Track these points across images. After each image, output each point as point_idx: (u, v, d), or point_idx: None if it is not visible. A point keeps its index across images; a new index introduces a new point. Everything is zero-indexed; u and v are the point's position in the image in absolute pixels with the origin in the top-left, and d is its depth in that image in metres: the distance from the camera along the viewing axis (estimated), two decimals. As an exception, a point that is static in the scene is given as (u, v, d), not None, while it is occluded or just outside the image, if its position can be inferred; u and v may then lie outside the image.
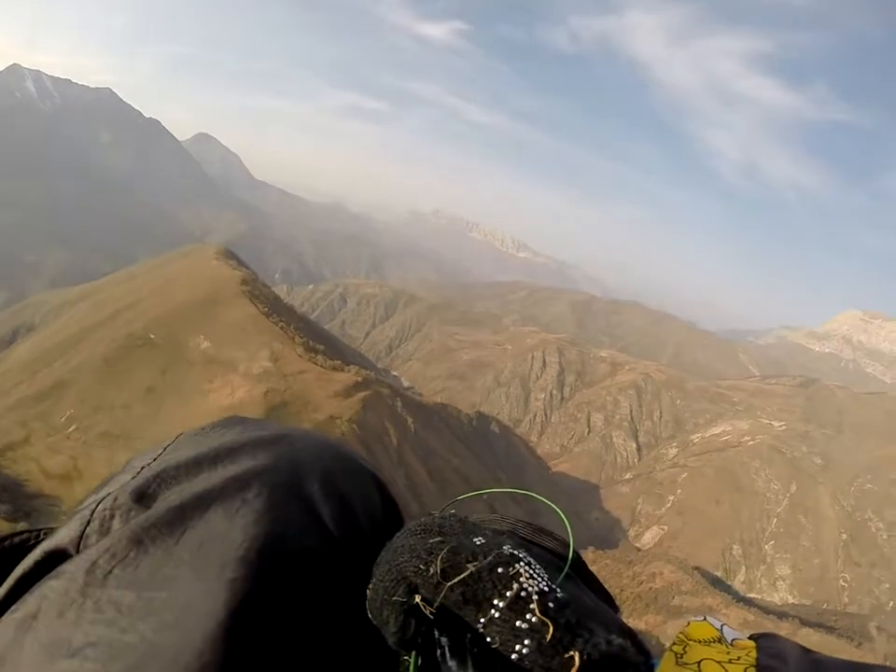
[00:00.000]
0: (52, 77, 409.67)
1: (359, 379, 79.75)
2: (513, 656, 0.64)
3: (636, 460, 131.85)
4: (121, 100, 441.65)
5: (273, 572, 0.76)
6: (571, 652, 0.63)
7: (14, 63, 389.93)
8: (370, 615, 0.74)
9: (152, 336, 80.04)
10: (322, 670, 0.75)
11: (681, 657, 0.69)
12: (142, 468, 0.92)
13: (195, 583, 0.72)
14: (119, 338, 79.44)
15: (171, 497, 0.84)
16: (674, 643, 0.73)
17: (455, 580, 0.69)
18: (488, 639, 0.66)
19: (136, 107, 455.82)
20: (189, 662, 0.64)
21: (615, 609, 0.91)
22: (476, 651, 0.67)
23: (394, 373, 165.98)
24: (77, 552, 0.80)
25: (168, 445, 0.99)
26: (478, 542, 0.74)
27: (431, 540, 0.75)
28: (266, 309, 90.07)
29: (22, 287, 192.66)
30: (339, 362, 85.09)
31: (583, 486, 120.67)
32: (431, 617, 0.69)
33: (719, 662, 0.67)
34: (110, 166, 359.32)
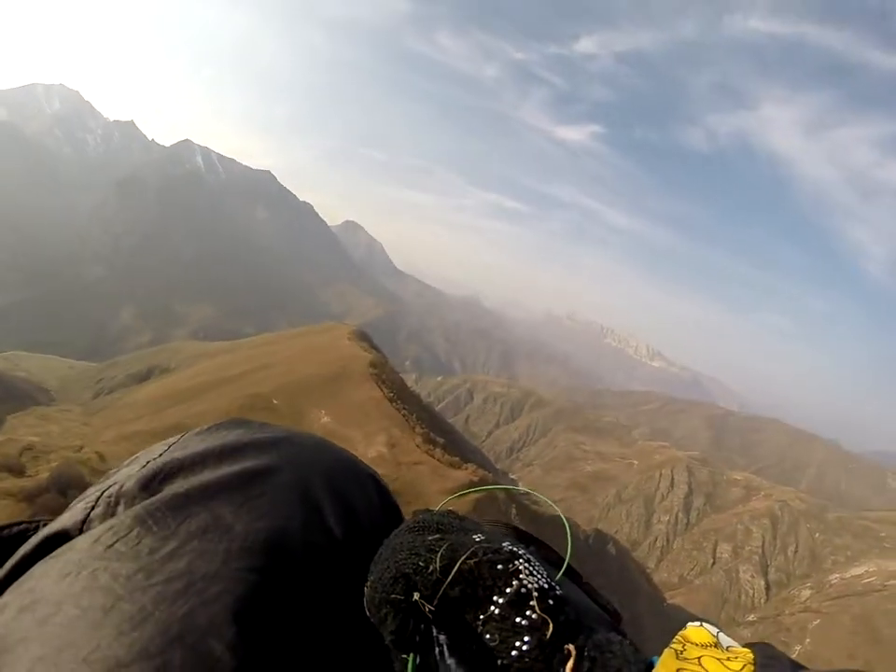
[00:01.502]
0: (219, 154, 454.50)
1: (475, 479, 75.54)
2: (513, 653, 0.65)
3: (762, 600, 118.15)
4: (279, 182, 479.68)
5: (279, 565, 0.77)
6: (568, 647, 0.65)
7: (186, 139, 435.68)
8: (368, 613, 0.74)
9: (275, 402, 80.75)
10: (321, 665, 0.75)
11: (681, 653, 0.69)
12: (148, 461, 0.95)
13: (198, 565, 0.72)
14: (244, 396, 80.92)
15: (176, 486, 0.86)
16: (673, 642, 0.73)
17: (455, 576, 0.69)
18: (487, 636, 0.67)
19: (292, 190, 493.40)
20: (199, 645, 0.65)
21: (616, 617, 0.91)
22: (475, 649, 0.68)
23: (512, 476, 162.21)
24: (80, 534, 0.83)
25: (174, 442, 1.02)
26: (477, 539, 0.75)
27: (430, 538, 0.76)
28: (391, 394, 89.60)
29: (166, 334, 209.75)
30: (457, 458, 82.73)
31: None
32: (430, 615, 0.69)
33: (718, 659, 0.68)
34: (264, 240, 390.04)
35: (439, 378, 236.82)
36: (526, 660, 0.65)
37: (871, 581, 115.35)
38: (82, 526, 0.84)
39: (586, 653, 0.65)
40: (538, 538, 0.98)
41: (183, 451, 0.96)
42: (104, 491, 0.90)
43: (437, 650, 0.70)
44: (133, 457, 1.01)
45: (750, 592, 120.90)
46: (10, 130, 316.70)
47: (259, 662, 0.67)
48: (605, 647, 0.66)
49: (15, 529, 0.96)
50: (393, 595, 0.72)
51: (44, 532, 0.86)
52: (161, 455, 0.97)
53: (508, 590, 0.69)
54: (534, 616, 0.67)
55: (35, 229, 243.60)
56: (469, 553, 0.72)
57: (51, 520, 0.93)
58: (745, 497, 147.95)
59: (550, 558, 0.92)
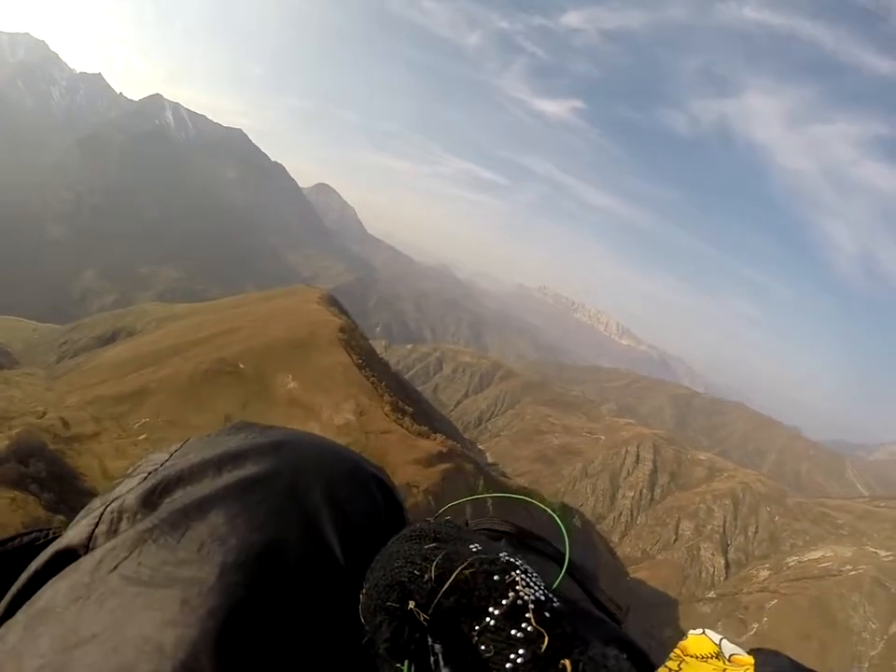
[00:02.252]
0: (189, 110, 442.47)
1: (444, 449, 76.35)
2: (507, 665, 0.65)
3: (722, 578, 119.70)
4: (251, 141, 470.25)
5: (270, 579, 0.77)
6: (564, 662, 0.64)
7: (156, 93, 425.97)
8: (363, 620, 0.75)
9: (241, 366, 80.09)
10: None
11: None
12: (149, 472, 0.96)
13: (194, 583, 0.74)
14: (209, 361, 79.97)
15: (175, 501, 0.87)
16: (669, 658, 0.73)
17: (450, 586, 0.70)
18: (482, 647, 0.67)
19: (264, 150, 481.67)
20: (185, 660, 0.66)
21: (621, 614, 0.94)
22: (470, 660, 0.67)
23: (480, 447, 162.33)
24: (87, 552, 0.85)
25: (176, 451, 1.03)
26: (474, 549, 0.75)
27: (426, 546, 0.76)
28: (360, 360, 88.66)
29: (132, 295, 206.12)
30: (426, 428, 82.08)
31: (661, 599, 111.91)
32: (425, 624, 0.69)
33: None
34: (233, 201, 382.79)
35: (409, 346, 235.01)
36: None
37: (827, 566, 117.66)
38: (88, 543, 0.86)
39: (581, 668, 0.64)
40: (539, 535, 1.01)
41: (184, 460, 0.97)
42: (107, 506, 0.90)
43: (432, 659, 0.69)
44: (136, 466, 1.02)
45: (711, 569, 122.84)
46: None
47: None
48: (600, 662, 0.65)
49: (26, 539, 0.99)
50: (388, 603, 0.72)
51: (52, 549, 0.88)
52: (162, 464, 0.98)
53: (503, 601, 0.68)
54: (529, 629, 0.66)
55: None
56: (465, 563, 0.72)
57: (58, 529, 0.97)
58: (708, 477, 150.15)
59: (550, 554, 0.95)
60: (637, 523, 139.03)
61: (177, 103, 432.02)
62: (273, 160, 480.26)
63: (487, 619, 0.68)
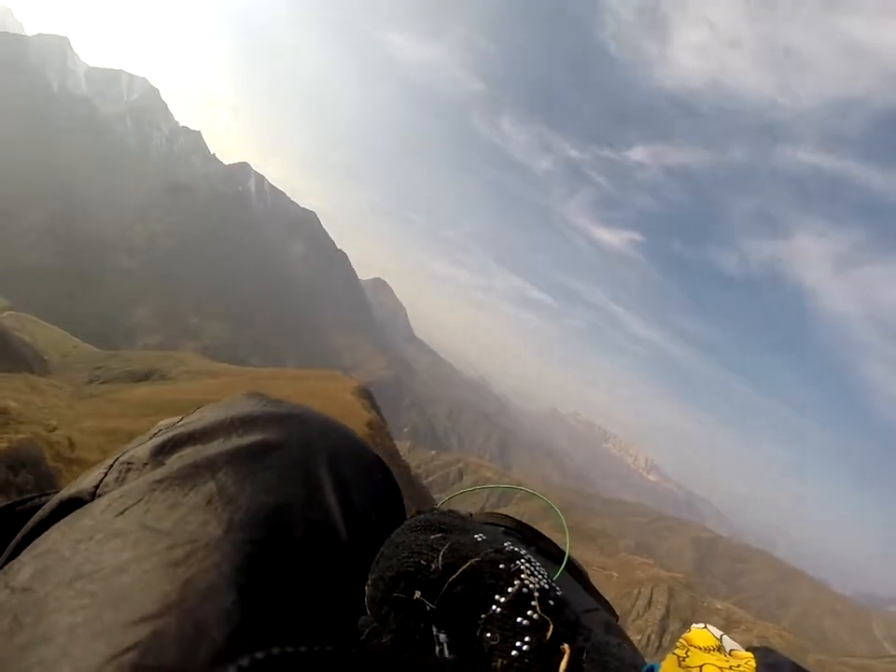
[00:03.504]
0: (272, 185, 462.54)
1: None
2: (513, 653, 0.65)
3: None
4: (321, 225, 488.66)
5: (278, 539, 0.77)
6: (563, 646, 0.65)
7: (245, 162, 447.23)
8: (369, 611, 0.75)
9: None
10: (311, 635, 0.73)
11: (684, 660, 0.69)
12: (160, 430, 0.99)
13: (201, 534, 0.73)
14: None
15: (186, 456, 0.88)
16: (676, 647, 0.74)
17: (457, 575, 0.70)
18: (488, 636, 0.67)
19: (332, 236, 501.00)
20: (190, 609, 0.66)
21: (613, 614, 0.97)
22: (475, 648, 0.68)
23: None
24: (93, 499, 0.85)
25: (191, 413, 1.06)
26: (479, 539, 0.76)
27: (432, 536, 0.76)
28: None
29: (177, 341, 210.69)
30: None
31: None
32: (431, 614, 0.70)
33: (720, 668, 0.68)
34: (294, 276, 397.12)
35: (433, 452, 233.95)
36: (526, 660, 0.65)
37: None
38: (95, 491, 0.87)
39: (585, 654, 0.65)
40: (540, 532, 1.00)
41: (197, 421, 0.99)
42: (117, 458, 0.92)
43: (437, 648, 0.70)
44: (155, 427, 1.04)
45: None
46: (87, 106, 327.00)
47: (253, 629, 0.68)
48: (603, 648, 0.66)
49: (29, 504, 0.99)
50: (395, 594, 0.72)
51: (59, 496, 0.89)
52: (175, 423, 1.01)
53: (509, 590, 0.69)
54: (535, 616, 0.67)
55: (83, 203, 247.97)
56: (471, 552, 0.72)
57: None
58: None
59: (551, 552, 0.95)
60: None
61: (262, 175, 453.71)
62: (338, 247, 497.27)
63: (493, 607, 0.68)
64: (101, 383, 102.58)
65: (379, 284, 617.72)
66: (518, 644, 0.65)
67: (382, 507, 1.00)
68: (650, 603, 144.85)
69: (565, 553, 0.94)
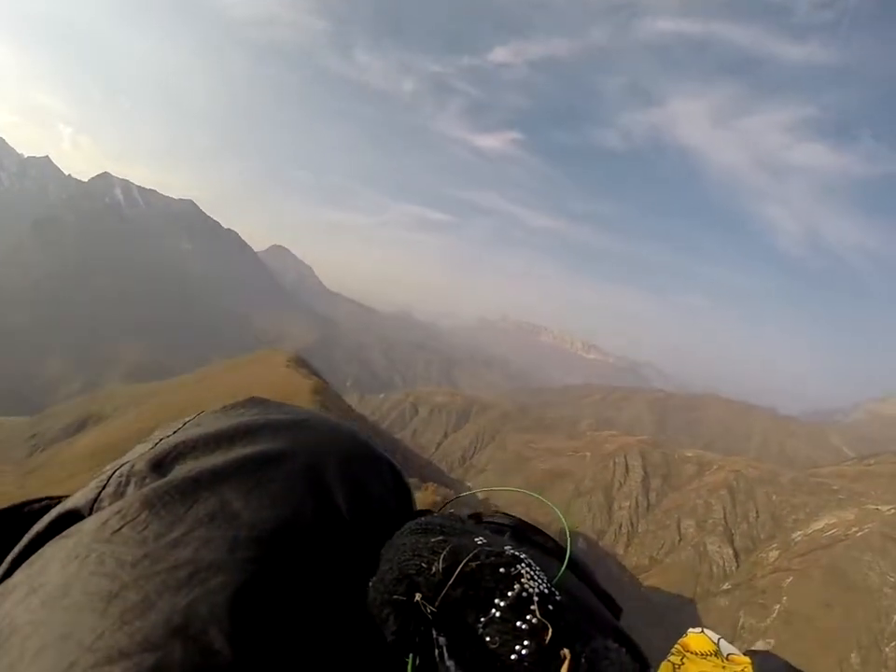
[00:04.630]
0: (139, 186, 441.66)
1: (438, 498, 73.81)
2: (512, 657, 0.65)
3: (733, 568, 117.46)
4: (202, 211, 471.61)
5: (285, 557, 0.75)
6: (563, 651, 0.65)
7: (105, 172, 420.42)
8: (370, 613, 0.75)
9: None
10: (322, 657, 0.72)
11: (678, 668, 0.71)
12: (160, 439, 0.94)
13: (204, 554, 0.71)
14: None
15: (186, 469, 0.84)
16: (672, 653, 0.75)
17: (457, 578, 0.70)
18: (487, 639, 0.67)
19: (216, 219, 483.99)
20: (193, 634, 0.63)
21: (616, 609, 0.94)
22: (474, 652, 0.68)
23: (468, 484, 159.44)
24: (91, 513, 0.81)
25: (188, 420, 1.01)
26: (479, 542, 0.75)
27: (433, 539, 0.76)
28: None
29: (98, 378, 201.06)
30: (416, 479, 79.35)
31: (677, 602, 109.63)
32: (431, 616, 0.70)
33: None
34: (191, 271, 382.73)
35: (381, 395, 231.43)
36: (525, 664, 0.65)
37: (834, 533, 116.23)
38: (93, 505, 0.83)
39: (583, 660, 0.65)
40: (541, 530, 0.98)
41: (196, 430, 0.95)
42: (115, 469, 0.88)
43: (436, 651, 0.70)
44: (153, 436, 0.99)
45: (720, 562, 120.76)
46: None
47: (259, 654, 0.66)
48: (602, 654, 0.67)
49: (37, 506, 0.94)
50: (395, 596, 0.72)
51: (56, 510, 0.85)
52: (174, 432, 0.96)
53: (509, 593, 0.69)
54: (534, 621, 0.67)
55: None
56: (471, 555, 0.72)
57: (69, 497, 0.93)
58: (699, 473, 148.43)
59: (551, 549, 0.93)
60: (639, 531, 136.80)
61: (126, 180, 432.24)
62: (225, 227, 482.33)
63: (493, 611, 0.68)
64: (41, 450, 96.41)
65: (278, 251, 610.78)
66: (517, 648, 0.66)
67: (394, 509, 0.98)
68: (627, 469, 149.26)
69: (567, 550, 0.91)
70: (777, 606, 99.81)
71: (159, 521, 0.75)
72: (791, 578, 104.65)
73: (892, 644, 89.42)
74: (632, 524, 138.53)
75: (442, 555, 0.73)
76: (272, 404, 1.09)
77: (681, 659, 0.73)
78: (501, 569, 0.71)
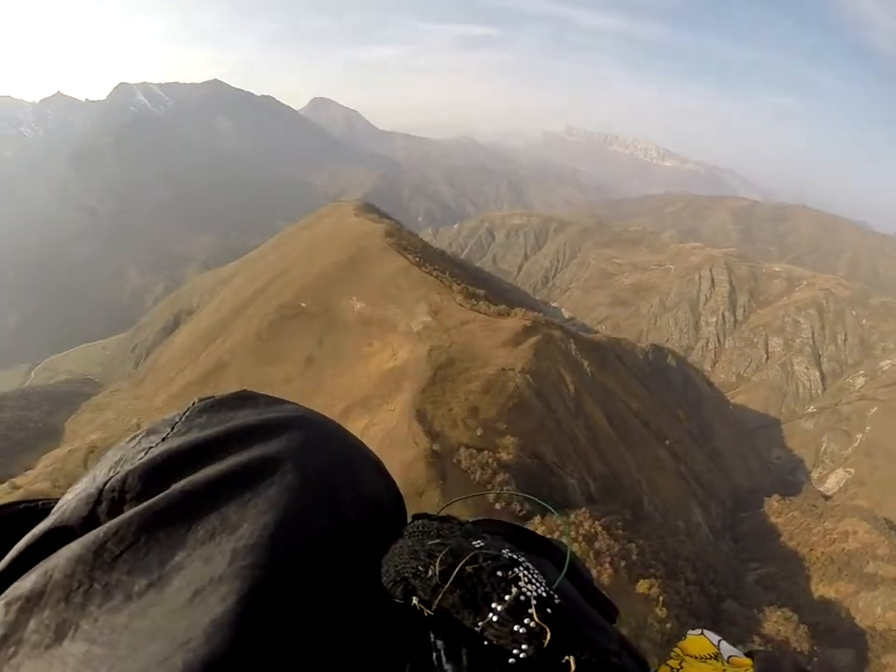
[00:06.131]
0: (160, 84, 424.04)
1: (528, 323, 73.44)
2: (510, 661, 0.66)
3: (819, 391, 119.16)
4: (231, 87, 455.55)
5: (286, 559, 0.75)
6: (567, 658, 0.65)
7: (121, 83, 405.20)
8: (370, 615, 0.75)
9: (303, 305, 79.15)
10: (328, 659, 0.73)
11: None
12: (149, 447, 0.92)
13: (205, 571, 0.71)
14: (271, 311, 79.44)
15: (182, 483, 0.83)
16: (670, 657, 0.75)
17: (454, 582, 0.71)
18: (485, 643, 0.68)
19: (247, 90, 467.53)
20: (200, 648, 0.63)
21: (614, 612, 0.92)
22: (472, 655, 0.68)
23: (553, 304, 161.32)
24: (83, 532, 0.80)
25: (177, 422, 0.99)
26: (477, 545, 0.77)
27: (430, 542, 0.78)
28: (417, 259, 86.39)
29: (178, 275, 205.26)
30: (503, 306, 79.36)
31: (763, 421, 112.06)
32: (428, 620, 0.70)
33: None
34: (237, 149, 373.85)
35: (455, 226, 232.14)
36: (524, 667, 0.65)
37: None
38: (84, 524, 0.82)
39: (583, 664, 0.65)
40: (539, 535, 0.96)
41: (187, 437, 0.93)
42: (106, 483, 0.86)
43: (434, 655, 0.70)
44: (133, 436, 0.98)
45: (807, 384, 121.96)
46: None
47: (264, 662, 0.66)
48: (603, 657, 0.67)
49: (14, 510, 0.94)
50: (392, 600, 0.73)
51: (45, 525, 0.84)
52: (163, 439, 0.94)
53: (507, 597, 0.69)
54: (532, 624, 0.67)
55: (6, 240, 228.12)
56: (468, 558, 0.73)
57: (49, 501, 0.93)
58: (788, 289, 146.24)
59: (549, 554, 0.91)
60: (726, 347, 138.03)
61: (144, 82, 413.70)
62: (259, 95, 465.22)
63: (491, 614, 0.68)
64: (145, 358, 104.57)
65: (320, 103, 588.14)
66: (515, 652, 0.66)
67: (388, 514, 0.98)
68: (713, 283, 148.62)
69: (567, 558, 0.90)
70: (860, 435, 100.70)
71: (159, 545, 0.75)
72: (876, 408, 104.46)
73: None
74: (718, 340, 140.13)
75: (439, 558, 0.73)
76: (261, 399, 1.07)
77: (680, 663, 0.72)
78: (499, 572, 0.71)
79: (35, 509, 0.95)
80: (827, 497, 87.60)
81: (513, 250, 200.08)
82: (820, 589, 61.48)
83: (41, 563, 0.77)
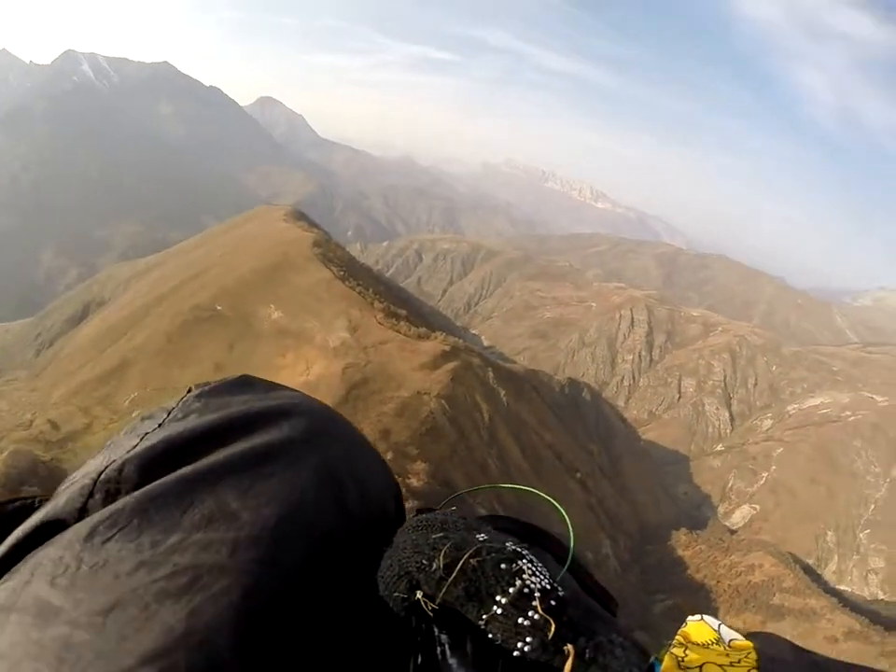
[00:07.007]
0: (108, 57, 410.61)
1: (447, 348, 71.44)
2: (515, 653, 0.65)
3: (728, 430, 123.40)
4: (179, 72, 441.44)
5: (290, 555, 0.74)
6: (567, 647, 0.65)
7: (68, 49, 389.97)
8: (374, 612, 0.75)
9: (219, 307, 74.78)
10: (331, 658, 0.73)
11: (682, 660, 0.69)
12: (145, 433, 0.89)
13: (204, 558, 0.69)
14: (184, 311, 74.73)
15: (179, 470, 0.81)
16: (673, 645, 0.75)
17: (458, 575, 0.70)
18: (490, 636, 0.67)
19: (195, 77, 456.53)
20: (200, 642, 0.61)
21: (614, 605, 0.93)
22: (476, 649, 0.68)
23: (473, 332, 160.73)
24: (77, 522, 0.77)
25: (174, 408, 0.96)
26: (481, 539, 0.76)
27: (434, 536, 0.76)
28: (342, 272, 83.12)
29: (94, 262, 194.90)
30: (424, 329, 77.19)
31: (673, 457, 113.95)
32: (432, 613, 0.70)
33: (720, 665, 0.67)
34: (173, 137, 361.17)
35: (384, 244, 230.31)
36: (528, 660, 0.65)
37: (827, 413, 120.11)
38: (79, 516, 0.79)
39: (587, 655, 0.65)
40: (541, 528, 0.95)
41: (185, 424, 0.90)
42: (100, 473, 0.83)
43: (438, 649, 0.70)
44: (130, 426, 0.95)
45: (716, 423, 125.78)
46: None
47: (268, 660, 0.65)
48: (606, 649, 0.66)
49: (10, 508, 0.91)
50: (396, 594, 0.72)
51: (37, 518, 0.80)
52: (160, 425, 0.91)
53: (511, 589, 0.69)
54: (536, 616, 0.67)
55: None
56: (472, 551, 0.72)
57: (47, 498, 0.88)
58: (704, 333, 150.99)
59: (551, 548, 0.90)
60: (640, 385, 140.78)
61: (93, 53, 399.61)
62: (207, 85, 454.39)
63: (495, 607, 0.68)
64: (48, 347, 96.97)
65: (266, 102, 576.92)
66: (520, 644, 0.65)
67: (391, 503, 0.99)
68: (632, 323, 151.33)
69: (569, 553, 0.89)
70: (766, 474, 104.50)
71: (153, 527, 0.72)
72: (782, 449, 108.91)
73: (867, 531, 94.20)
74: (633, 377, 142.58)
75: (443, 551, 0.72)
76: (261, 385, 1.05)
77: (684, 651, 0.72)
78: (503, 565, 0.71)
79: (32, 507, 0.90)
80: (733, 532, 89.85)
81: (439, 274, 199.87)
82: (728, 620, 60.94)
83: (33, 552, 0.75)
